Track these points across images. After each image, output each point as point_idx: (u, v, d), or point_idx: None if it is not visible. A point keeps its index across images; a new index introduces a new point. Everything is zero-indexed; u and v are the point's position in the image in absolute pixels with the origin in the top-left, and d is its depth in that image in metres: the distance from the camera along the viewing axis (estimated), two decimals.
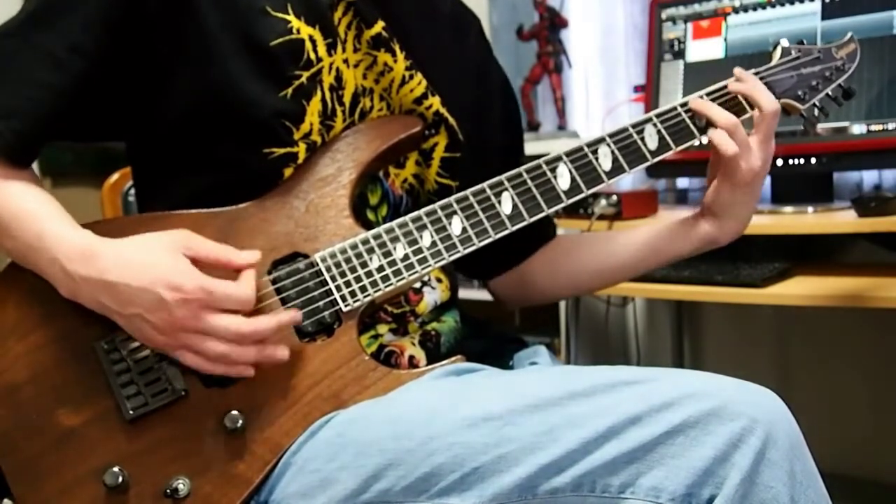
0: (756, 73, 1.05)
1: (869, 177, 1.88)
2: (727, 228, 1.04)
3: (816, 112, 1.09)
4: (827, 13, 1.65)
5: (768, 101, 0.99)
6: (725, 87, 1.03)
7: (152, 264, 0.83)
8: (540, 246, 1.18)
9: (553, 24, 2.28)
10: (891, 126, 1.57)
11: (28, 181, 0.91)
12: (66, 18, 0.90)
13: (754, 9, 1.75)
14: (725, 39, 1.79)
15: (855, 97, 1.13)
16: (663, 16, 1.87)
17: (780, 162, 1.71)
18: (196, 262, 0.85)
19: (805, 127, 1.11)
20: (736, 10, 1.78)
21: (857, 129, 1.60)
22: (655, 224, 1.11)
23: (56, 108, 0.91)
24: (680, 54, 1.85)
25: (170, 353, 0.86)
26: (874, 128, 1.59)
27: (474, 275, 1.23)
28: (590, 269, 1.15)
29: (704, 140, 1.02)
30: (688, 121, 1.01)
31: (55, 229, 0.87)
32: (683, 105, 1.01)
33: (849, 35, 1.12)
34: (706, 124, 1.01)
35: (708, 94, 1.02)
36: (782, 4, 1.71)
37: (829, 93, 1.09)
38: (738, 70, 1.04)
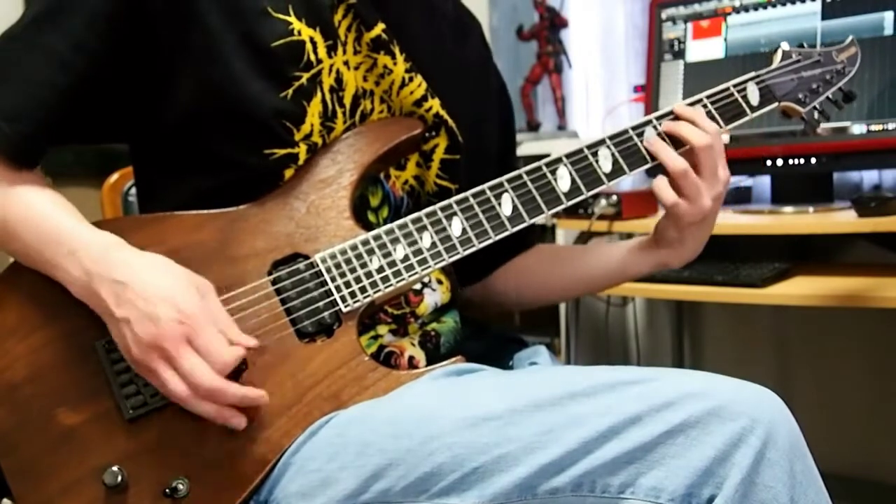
0: (756, 76, 1.05)
1: (869, 177, 1.88)
2: (680, 256, 1.05)
3: (817, 115, 1.09)
4: (827, 13, 1.65)
5: (698, 137, 0.96)
6: (671, 112, 1.01)
7: (166, 285, 0.83)
8: (511, 258, 1.19)
9: (553, 24, 2.28)
10: (891, 126, 1.57)
11: (36, 183, 0.91)
12: (70, 18, 0.90)
13: (754, 9, 1.75)
14: (725, 39, 1.79)
15: (859, 96, 1.13)
16: (663, 16, 1.87)
17: (780, 162, 1.71)
18: None
19: (805, 130, 1.11)
20: (736, 10, 1.78)
21: (857, 129, 1.60)
22: (622, 244, 1.12)
23: (61, 108, 0.91)
24: (680, 54, 1.85)
25: (136, 370, 0.84)
26: (874, 128, 1.59)
27: None
28: (556, 283, 1.17)
29: None
30: None
31: (73, 226, 0.87)
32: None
33: (850, 38, 1.12)
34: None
35: (657, 119, 1.00)
36: (782, 4, 1.71)
37: (830, 96, 1.10)
38: (677, 107, 1.00)
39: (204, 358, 0.81)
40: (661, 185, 0.97)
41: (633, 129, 1.00)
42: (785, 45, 1.10)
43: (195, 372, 0.80)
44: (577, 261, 1.16)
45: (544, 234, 1.97)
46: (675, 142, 0.99)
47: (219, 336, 0.82)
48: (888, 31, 1.57)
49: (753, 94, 1.04)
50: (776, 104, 1.06)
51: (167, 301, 0.81)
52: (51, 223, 0.87)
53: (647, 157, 0.99)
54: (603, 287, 1.15)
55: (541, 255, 1.20)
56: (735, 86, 1.04)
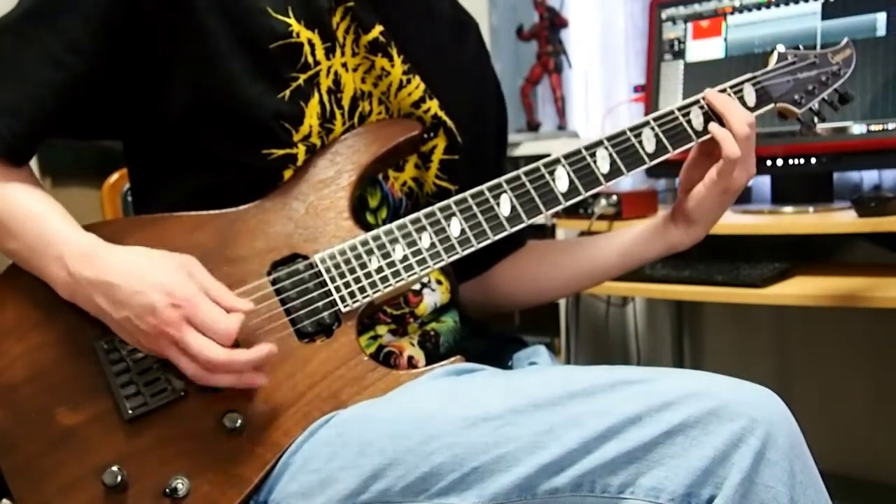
0: (752, 78, 1.06)
1: (869, 177, 1.88)
2: (694, 234, 1.05)
3: (813, 116, 1.10)
4: (827, 13, 1.65)
5: (738, 120, 0.98)
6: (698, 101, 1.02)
7: (153, 273, 0.83)
8: (505, 255, 1.18)
9: (553, 24, 2.28)
10: (890, 126, 1.57)
11: (28, 182, 0.91)
12: (65, 16, 0.90)
13: (754, 9, 1.75)
14: (725, 39, 1.79)
15: (855, 97, 1.13)
16: (663, 16, 1.88)
17: (780, 162, 1.71)
18: None
19: (801, 131, 1.11)
20: (736, 10, 1.78)
21: (857, 129, 1.60)
22: (627, 230, 1.11)
23: (55, 106, 0.91)
24: (680, 54, 1.85)
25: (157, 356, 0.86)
26: (874, 128, 1.59)
27: None
28: (559, 276, 1.16)
29: None
30: (685, 124, 1.01)
31: (60, 229, 0.87)
32: (681, 108, 1.01)
33: (845, 40, 1.12)
34: (704, 128, 1.01)
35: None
36: (782, 5, 1.71)
37: (826, 97, 1.10)
38: (708, 93, 1.02)
39: (206, 333, 0.82)
40: (725, 136, 0.98)
41: (631, 130, 1.00)
42: (781, 47, 1.10)
43: (203, 351, 0.82)
44: (578, 253, 1.15)
45: (544, 234, 1.97)
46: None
47: (215, 308, 0.83)
48: (881, 31, 1.58)
49: (750, 96, 1.04)
50: (772, 105, 1.06)
51: (158, 288, 0.82)
52: (38, 226, 0.87)
53: (645, 158, 0.99)
54: (607, 278, 1.13)
55: (542, 250, 1.19)
56: (732, 87, 1.04)
